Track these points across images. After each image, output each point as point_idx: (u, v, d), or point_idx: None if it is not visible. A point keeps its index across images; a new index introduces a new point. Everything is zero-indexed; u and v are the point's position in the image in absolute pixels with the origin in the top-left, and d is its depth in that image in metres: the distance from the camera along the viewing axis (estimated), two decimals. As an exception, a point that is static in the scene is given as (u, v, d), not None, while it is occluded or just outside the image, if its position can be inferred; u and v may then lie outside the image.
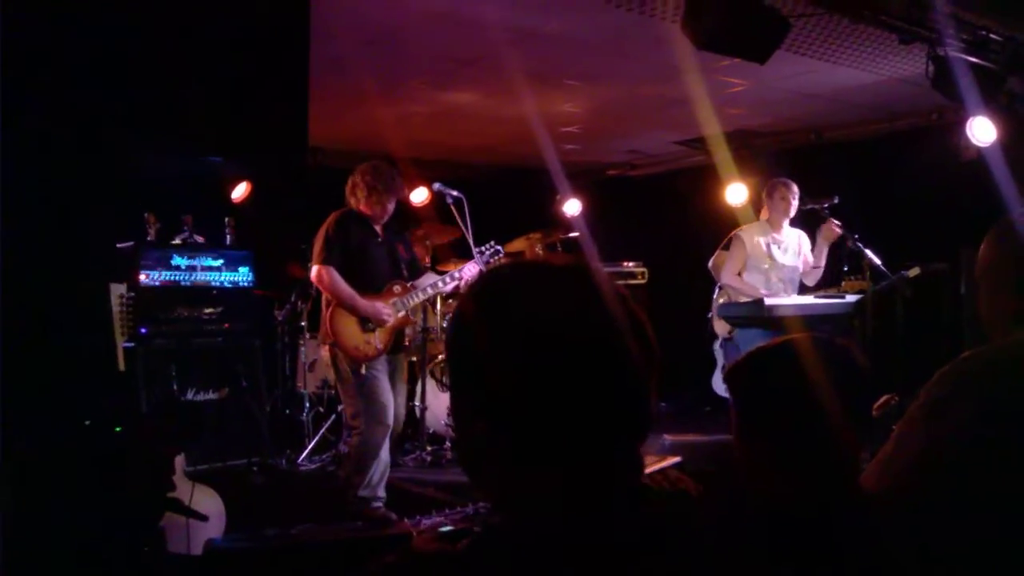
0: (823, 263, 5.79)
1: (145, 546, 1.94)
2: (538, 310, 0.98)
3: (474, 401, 1.01)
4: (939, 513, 1.64)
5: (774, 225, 5.71)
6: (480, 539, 0.97)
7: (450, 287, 4.99)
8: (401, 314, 4.70)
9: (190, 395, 5.68)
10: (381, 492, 4.58)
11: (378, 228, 4.76)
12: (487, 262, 5.08)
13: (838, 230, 5.54)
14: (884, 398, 2.72)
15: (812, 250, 5.82)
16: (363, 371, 4.50)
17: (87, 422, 1.86)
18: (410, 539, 1.02)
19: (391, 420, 4.55)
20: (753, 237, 5.68)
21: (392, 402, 4.58)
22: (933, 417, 1.62)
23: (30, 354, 2.15)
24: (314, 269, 4.62)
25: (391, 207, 4.72)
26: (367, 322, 4.58)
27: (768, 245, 5.69)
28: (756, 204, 6.00)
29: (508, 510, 1.01)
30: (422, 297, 4.83)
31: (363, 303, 4.55)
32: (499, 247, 5.12)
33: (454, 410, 1.06)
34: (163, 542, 2.12)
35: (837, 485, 1.59)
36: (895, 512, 1.64)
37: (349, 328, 4.56)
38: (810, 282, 5.86)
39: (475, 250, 5.39)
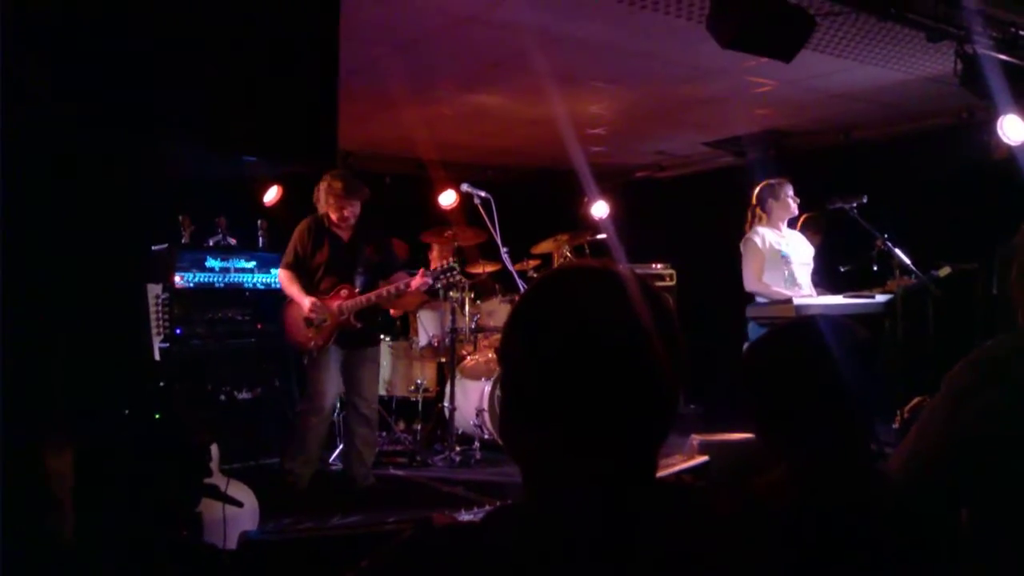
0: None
1: (182, 531, 2.00)
2: (570, 314, 1.06)
3: (512, 386, 1.10)
4: (964, 500, 1.66)
5: (774, 226, 5.64)
6: (497, 512, 1.03)
7: (394, 293, 5.20)
8: (343, 316, 5.04)
9: (223, 395, 5.78)
10: (300, 468, 5.04)
11: (342, 232, 5.13)
12: (437, 278, 5.34)
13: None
14: (915, 400, 2.70)
15: (818, 257, 5.77)
16: (305, 361, 5.13)
17: (126, 411, 1.93)
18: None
19: (321, 408, 5.05)
20: (765, 236, 5.57)
21: (328, 394, 5.07)
22: (958, 405, 1.62)
23: (71, 349, 2.21)
24: (279, 270, 5.24)
25: (350, 212, 5.06)
26: (308, 319, 5.04)
27: (779, 243, 5.58)
28: (755, 206, 5.83)
29: (531, 486, 1.08)
30: (364, 304, 5.08)
31: (299, 301, 5.06)
32: (455, 266, 5.38)
33: (501, 388, 1.14)
34: (200, 529, 2.18)
35: (859, 471, 1.60)
36: (920, 499, 1.65)
37: (295, 324, 5.12)
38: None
39: (502, 251, 5.44)
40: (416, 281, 5.10)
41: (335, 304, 5.03)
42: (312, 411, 5.05)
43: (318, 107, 2.75)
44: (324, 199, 5.06)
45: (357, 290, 5.10)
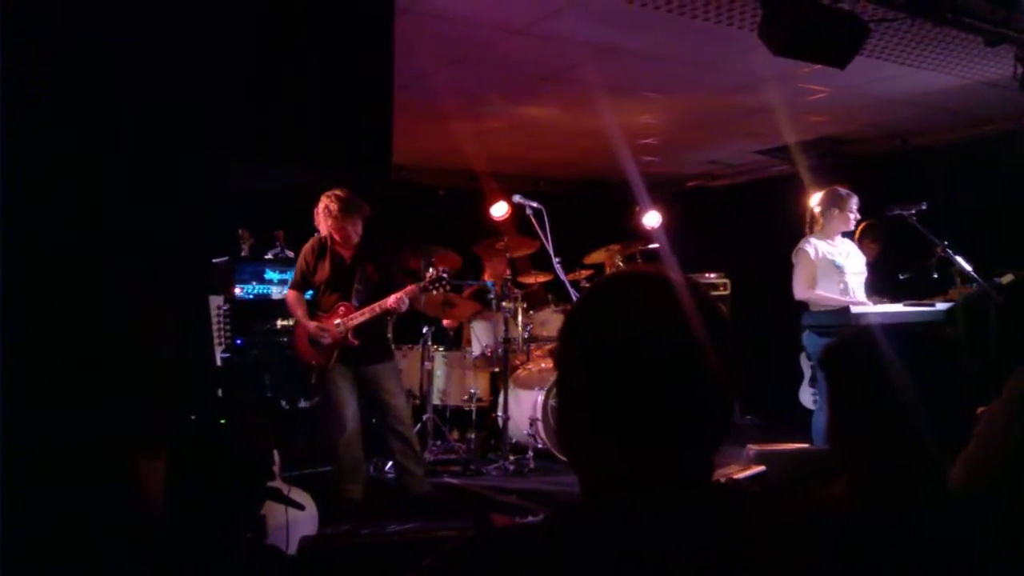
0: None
1: (248, 532, 2.06)
2: (623, 322, 1.08)
3: (570, 392, 1.12)
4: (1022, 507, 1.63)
5: (829, 235, 5.58)
6: (556, 515, 1.06)
7: (388, 307, 5.13)
8: (340, 333, 5.09)
9: (283, 403, 5.89)
10: (347, 484, 5.06)
11: (344, 251, 5.16)
12: (426, 289, 5.35)
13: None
14: (981, 410, 2.65)
15: (871, 266, 5.70)
16: (312, 379, 5.25)
17: (193, 416, 1.99)
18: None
19: (344, 424, 5.07)
20: (816, 247, 5.53)
21: (347, 407, 5.10)
22: (1017, 415, 1.61)
23: (138, 359, 2.29)
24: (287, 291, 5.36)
25: (352, 231, 5.07)
26: (311, 339, 5.14)
27: (831, 253, 5.53)
28: (815, 210, 5.79)
29: (588, 491, 1.10)
30: (360, 320, 5.10)
31: (303, 324, 5.17)
32: (444, 275, 5.35)
33: (558, 394, 1.16)
34: (264, 531, 2.23)
35: (919, 482, 1.57)
36: (983, 510, 1.63)
37: (303, 342, 5.21)
38: None
39: (555, 260, 5.46)
40: (391, 300, 5.04)
41: (334, 321, 5.10)
42: (335, 429, 5.08)
43: (373, 120, 2.81)
44: (327, 219, 5.06)
45: (355, 307, 5.13)
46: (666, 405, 1.04)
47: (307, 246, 5.26)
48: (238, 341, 5.81)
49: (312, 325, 5.10)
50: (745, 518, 1.07)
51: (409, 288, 5.12)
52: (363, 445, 5.22)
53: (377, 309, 5.08)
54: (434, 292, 5.70)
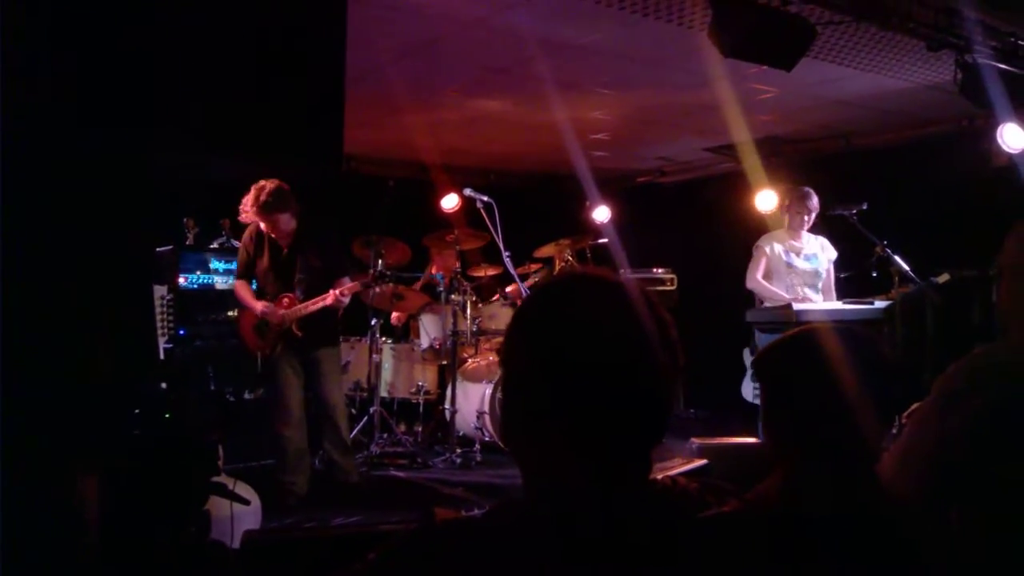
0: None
1: (191, 528, 2.03)
2: (569, 322, 1.10)
3: (515, 390, 1.14)
4: (953, 505, 1.68)
5: (792, 233, 5.83)
6: (499, 509, 1.07)
7: (327, 304, 5.16)
8: (282, 324, 5.09)
9: (227, 395, 5.82)
10: (291, 476, 5.01)
11: (281, 240, 5.13)
12: (368, 286, 5.55)
13: None
14: (913, 407, 2.73)
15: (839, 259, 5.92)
16: (258, 368, 5.23)
17: (136, 410, 1.95)
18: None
19: (288, 412, 5.04)
20: (773, 245, 5.83)
21: (291, 395, 5.08)
22: (947, 411, 1.65)
23: (77, 351, 2.24)
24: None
25: (282, 225, 5.02)
26: (257, 326, 5.15)
27: (787, 252, 5.81)
28: (778, 211, 6.14)
29: (530, 484, 1.11)
30: (303, 312, 5.10)
31: (251, 307, 5.16)
32: (386, 273, 5.61)
33: (503, 390, 1.17)
34: (207, 527, 2.21)
35: (856, 477, 1.61)
36: (911, 503, 1.68)
37: (247, 331, 5.24)
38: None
39: (504, 254, 5.46)
40: (330, 297, 5.04)
41: (279, 312, 5.09)
42: (280, 420, 5.05)
43: (324, 110, 2.78)
44: (251, 211, 4.98)
45: (300, 297, 5.11)
46: (606, 404, 1.06)
47: (245, 235, 5.26)
48: (181, 331, 5.72)
49: (261, 305, 5.08)
50: (680, 515, 1.10)
51: (349, 286, 5.12)
52: (307, 437, 5.18)
53: (318, 304, 5.06)
54: (376, 289, 5.71)
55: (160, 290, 5.55)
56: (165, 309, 5.58)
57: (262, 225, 5.06)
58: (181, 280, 5.81)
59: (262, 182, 4.97)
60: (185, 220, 5.97)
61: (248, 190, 4.99)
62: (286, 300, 5.11)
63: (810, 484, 1.61)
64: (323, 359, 5.20)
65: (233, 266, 6.07)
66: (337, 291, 5.05)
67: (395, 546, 1.04)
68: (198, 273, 5.94)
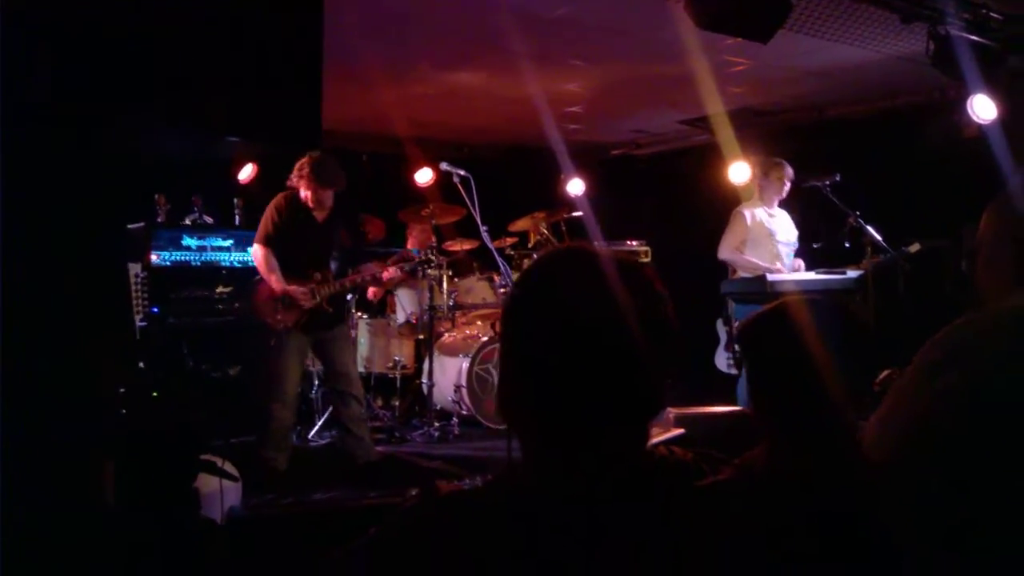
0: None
1: (180, 505, 2.03)
2: (556, 302, 1.11)
3: (510, 361, 1.16)
4: (934, 476, 1.71)
5: (767, 204, 5.85)
6: (498, 479, 1.09)
7: (369, 281, 5.26)
8: (315, 301, 4.96)
9: (202, 373, 5.79)
10: (274, 452, 4.94)
11: (318, 214, 5.01)
12: (414, 271, 5.40)
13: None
14: (885, 373, 2.77)
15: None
16: (272, 341, 4.95)
17: (122, 389, 1.95)
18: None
19: (284, 391, 4.93)
20: (754, 212, 5.82)
21: (291, 376, 4.97)
22: (926, 381, 1.67)
23: (56, 332, 2.22)
24: (253, 246, 5.02)
25: (328, 199, 4.97)
26: (279, 301, 4.93)
27: (768, 222, 5.83)
28: (753, 182, 6.12)
29: (528, 455, 1.13)
30: (337, 289, 5.05)
31: (277, 282, 4.91)
32: (432, 258, 5.40)
33: (500, 360, 1.18)
34: (197, 504, 2.21)
35: (834, 447, 1.64)
36: (892, 474, 1.71)
37: (265, 303, 4.97)
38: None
39: (482, 228, 5.45)
40: (388, 273, 5.07)
41: (308, 288, 4.95)
42: (274, 398, 4.94)
43: (302, 86, 2.76)
44: (304, 183, 4.91)
45: (332, 274, 5.04)
46: (600, 380, 1.07)
47: (277, 202, 5.02)
48: (154, 309, 5.67)
49: (293, 288, 4.90)
50: (678, 484, 1.12)
51: (401, 265, 5.10)
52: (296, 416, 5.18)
53: (361, 280, 5.02)
54: (419, 274, 5.64)
55: (134, 268, 5.50)
56: (139, 287, 5.53)
57: (302, 194, 4.94)
58: (154, 257, 5.75)
59: (317, 153, 4.89)
60: (156, 197, 5.90)
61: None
62: (318, 275, 5.00)
63: (794, 452, 1.64)
64: (339, 336, 5.15)
65: (207, 242, 6.03)
66: (390, 270, 5.04)
67: (396, 519, 1.05)
68: (171, 250, 5.88)
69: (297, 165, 4.95)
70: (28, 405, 1.80)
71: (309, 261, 5.01)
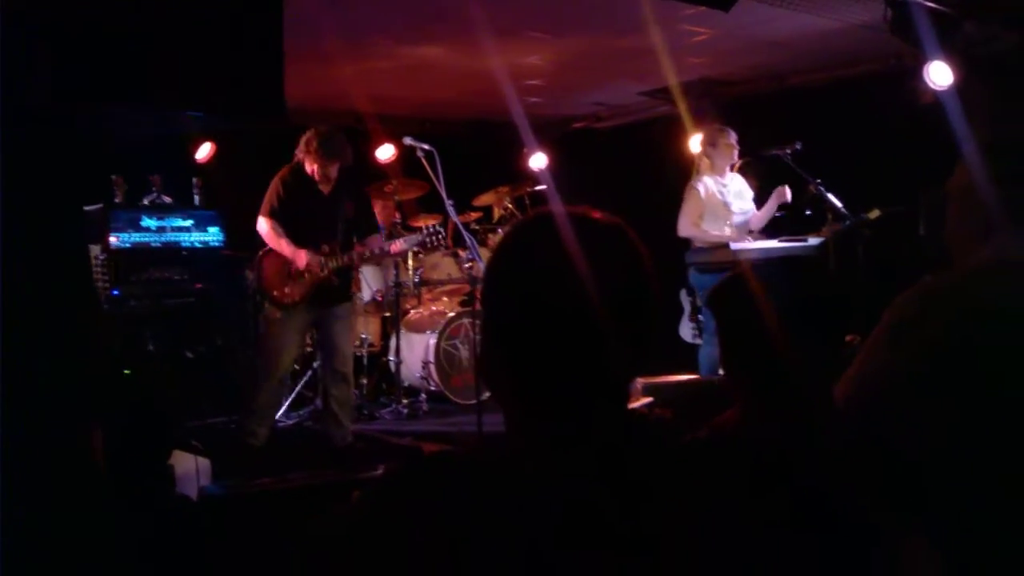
0: (768, 216, 5.95)
1: (155, 480, 2.01)
2: (528, 266, 1.11)
3: (491, 329, 1.15)
4: (903, 429, 1.74)
5: (719, 172, 5.86)
6: (483, 445, 1.09)
7: (377, 253, 5.23)
8: (323, 272, 4.93)
9: (164, 355, 5.73)
10: (256, 427, 4.94)
11: (323, 187, 5.00)
12: (423, 243, 5.32)
13: (789, 196, 5.72)
14: (848, 338, 2.81)
15: (756, 201, 5.98)
16: (276, 315, 4.94)
17: (94, 366, 1.92)
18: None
19: (278, 367, 4.93)
20: (708, 185, 5.83)
21: (287, 353, 4.98)
22: (897, 339, 1.69)
23: (27, 312, 2.17)
24: (259, 219, 4.98)
25: (333, 172, 4.96)
26: (287, 273, 4.87)
27: (722, 192, 5.85)
28: (700, 152, 6.11)
29: (510, 423, 1.13)
30: (345, 262, 5.03)
31: (288, 247, 4.90)
32: (440, 229, 5.34)
33: (482, 329, 1.18)
34: (172, 480, 2.19)
35: (804, 411, 1.67)
36: (860, 426, 1.73)
37: (274, 276, 4.97)
38: (755, 228, 6.00)
39: (447, 203, 5.42)
40: (397, 246, 5.07)
41: (318, 260, 4.93)
42: (267, 374, 4.93)
43: (263, 59, 2.72)
44: (311, 155, 4.91)
45: (338, 245, 5.01)
46: (571, 349, 1.07)
47: (282, 174, 5.02)
48: (114, 292, 5.59)
49: (304, 255, 4.86)
50: (660, 442, 1.13)
51: (411, 238, 5.08)
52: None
53: (370, 253, 5.00)
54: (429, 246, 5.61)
55: (93, 250, 5.40)
56: (99, 270, 5.44)
57: (307, 167, 4.92)
58: (113, 239, 5.65)
59: (322, 127, 4.92)
60: (113, 177, 5.79)
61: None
62: (326, 247, 4.97)
63: (765, 416, 1.67)
64: (342, 314, 5.13)
65: (167, 223, 5.93)
66: (399, 242, 5.05)
67: (381, 483, 1.04)
68: (130, 232, 5.78)
69: (304, 139, 4.95)
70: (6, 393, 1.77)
71: (317, 234, 4.98)
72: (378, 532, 0.99)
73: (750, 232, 5.96)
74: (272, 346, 4.96)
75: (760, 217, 5.99)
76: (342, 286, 5.09)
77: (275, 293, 4.94)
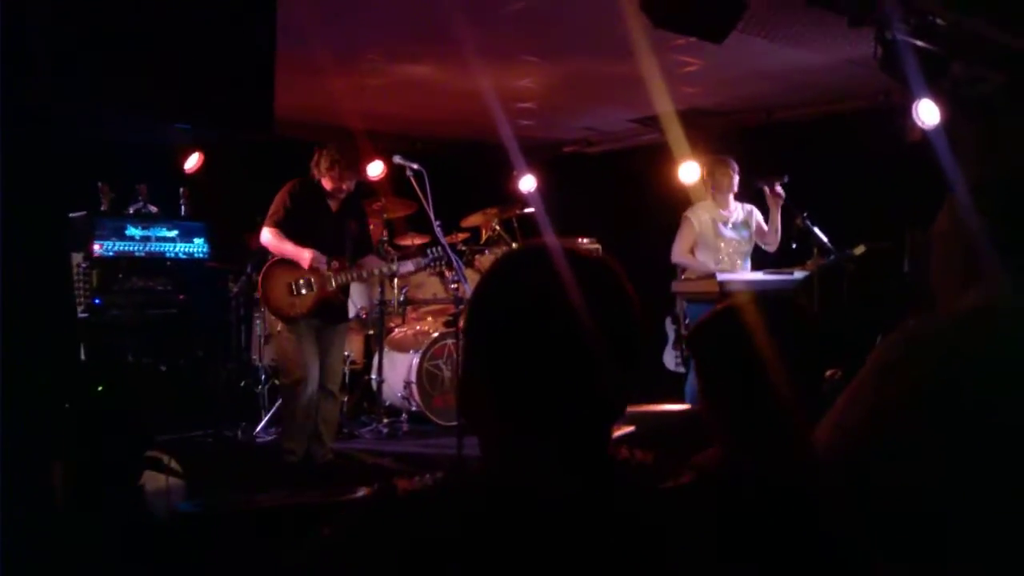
0: (779, 226, 5.94)
1: (125, 500, 1.97)
2: (518, 297, 1.09)
3: (470, 359, 1.13)
4: (885, 472, 1.73)
5: (720, 202, 5.91)
6: (453, 478, 1.07)
7: (386, 273, 5.30)
8: (333, 286, 4.93)
9: (145, 366, 5.67)
10: (291, 445, 4.92)
11: (332, 203, 5.01)
12: (430, 265, 5.33)
13: (781, 194, 5.74)
14: (828, 373, 2.80)
15: (766, 219, 5.99)
16: (287, 331, 4.88)
17: (67, 383, 1.88)
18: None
19: (307, 380, 4.84)
20: (701, 216, 5.89)
21: (312, 364, 4.89)
22: (882, 381, 1.68)
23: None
24: (264, 229, 4.95)
25: (348, 185, 4.98)
26: (294, 286, 4.86)
27: (715, 222, 5.89)
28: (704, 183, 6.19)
29: (487, 455, 1.11)
30: (354, 279, 5.06)
31: (294, 250, 4.89)
32: (445, 254, 5.32)
33: (463, 357, 1.17)
34: (143, 499, 2.16)
35: (785, 451, 1.65)
36: (844, 470, 1.72)
37: (278, 289, 4.90)
38: (771, 248, 6.01)
39: (435, 224, 5.42)
40: (407, 268, 5.15)
41: (323, 258, 4.92)
42: (294, 391, 4.87)
43: (254, 73, 2.71)
44: (327, 166, 4.91)
45: (347, 262, 5.01)
46: (557, 381, 1.06)
47: (292, 186, 4.99)
48: (96, 301, 5.53)
49: (310, 252, 4.83)
50: (641, 487, 1.11)
51: (420, 260, 5.10)
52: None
53: (379, 272, 5.10)
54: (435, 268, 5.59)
55: (76, 258, 5.35)
56: (81, 278, 5.38)
57: (326, 183, 4.92)
58: (96, 247, 5.60)
59: (331, 143, 4.98)
60: (100, 185, 5.75)
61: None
62: (336, 263, 4.95)
63: (746, 455, 1.65)
64: (340, 332, 5.12)
65: (151, 232, 5.89)
66: (411, 262, 5.14)
67: (352, 516, 1.02)
68: (114, 240, 5.74)
69: (321, 154, 4.97)
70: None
71: (326, 248, 4.97)
72: (350, 566, 0.98)
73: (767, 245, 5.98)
74: (290, 361, 4.92)
75: (772, 234, 5.97)
76: (344, 304, 5.10)
77: (282, 307, 4.89)
